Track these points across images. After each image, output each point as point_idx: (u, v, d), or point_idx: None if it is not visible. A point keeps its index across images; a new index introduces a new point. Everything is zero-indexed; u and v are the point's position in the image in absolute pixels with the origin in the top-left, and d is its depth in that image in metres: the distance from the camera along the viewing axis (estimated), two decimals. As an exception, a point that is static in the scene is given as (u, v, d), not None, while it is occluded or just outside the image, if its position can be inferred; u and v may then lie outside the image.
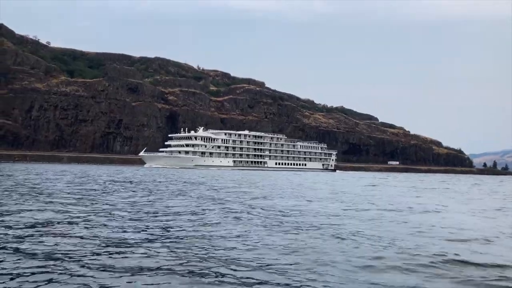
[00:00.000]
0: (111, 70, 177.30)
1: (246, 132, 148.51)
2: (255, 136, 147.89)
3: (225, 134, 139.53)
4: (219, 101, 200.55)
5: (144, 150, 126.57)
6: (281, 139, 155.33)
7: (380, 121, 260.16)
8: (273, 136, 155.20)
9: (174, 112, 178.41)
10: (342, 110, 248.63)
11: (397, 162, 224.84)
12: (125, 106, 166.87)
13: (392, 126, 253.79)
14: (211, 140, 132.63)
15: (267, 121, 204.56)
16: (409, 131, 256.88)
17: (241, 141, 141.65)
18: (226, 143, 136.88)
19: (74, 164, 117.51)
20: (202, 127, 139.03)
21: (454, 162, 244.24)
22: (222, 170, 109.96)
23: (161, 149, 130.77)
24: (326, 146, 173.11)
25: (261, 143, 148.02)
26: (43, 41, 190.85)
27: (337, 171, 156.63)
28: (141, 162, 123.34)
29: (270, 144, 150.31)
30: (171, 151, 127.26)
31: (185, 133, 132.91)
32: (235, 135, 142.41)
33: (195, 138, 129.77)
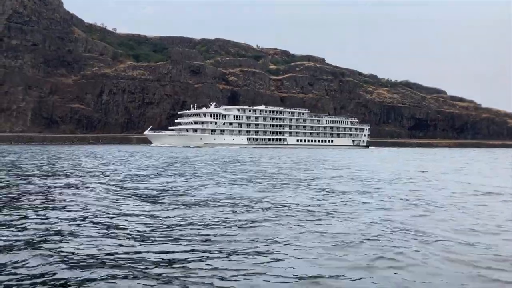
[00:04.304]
0: (174, 53, 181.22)
1: (263, 107, 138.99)
2: (273, 111, 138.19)
3: (238, 109, 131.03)
4: (279, 79, 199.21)
5: (149, 128, 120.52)
6: (303, 114, 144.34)
7: (448, 94, 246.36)
8: (294, 110, 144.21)
9: (235, 92, 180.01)
10: (407, 84, 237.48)
11: None
12: (188, 88, 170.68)
13: (462, 100, 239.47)
14: (222, 116, 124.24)
15: (328, 98, 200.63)
16: (480, 104, 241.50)
17: (256, 117, 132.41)
18: (239, 119, 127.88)
19: (143, 145, 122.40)
20: (214, 103, 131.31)
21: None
22: (234, 148, 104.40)
23: (170, 127, 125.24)
24: (357, 120, 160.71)
25: (280, 118, 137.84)
26: (109, 28, 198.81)
27: (370, 147, 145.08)
28: (147, 141, 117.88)
29: (291, 119, 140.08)
30: (180, 129, 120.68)
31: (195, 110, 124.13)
32: (249, 110, 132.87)
33: (204, 114, 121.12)
